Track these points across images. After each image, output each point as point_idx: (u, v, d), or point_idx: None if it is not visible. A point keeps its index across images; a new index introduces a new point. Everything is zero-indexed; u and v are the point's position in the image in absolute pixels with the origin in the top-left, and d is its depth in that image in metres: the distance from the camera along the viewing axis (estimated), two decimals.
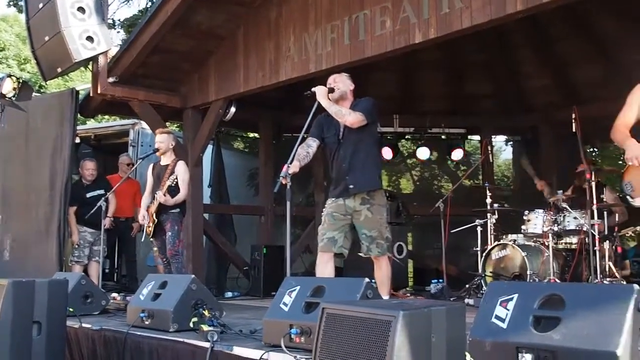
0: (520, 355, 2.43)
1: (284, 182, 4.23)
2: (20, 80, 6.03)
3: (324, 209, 4.74)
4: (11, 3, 15.37)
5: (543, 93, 9.20)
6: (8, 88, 5.82)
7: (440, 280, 7.01)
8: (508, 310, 2.60)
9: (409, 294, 7.39)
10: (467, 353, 2.42)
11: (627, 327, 2.20)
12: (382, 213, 4.63)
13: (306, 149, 4.67)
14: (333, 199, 4.66)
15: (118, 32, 14.63)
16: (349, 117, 4.51)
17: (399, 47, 5.53)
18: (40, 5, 6.31)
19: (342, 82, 4.71)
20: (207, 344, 3.60)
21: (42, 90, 18.38)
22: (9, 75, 5.91)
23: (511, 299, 2.63)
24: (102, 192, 7.27)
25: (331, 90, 4.62)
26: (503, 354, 2.49)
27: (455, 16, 5.07)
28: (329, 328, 2.33)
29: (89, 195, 7.35)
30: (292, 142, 4.64)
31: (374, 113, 4.64)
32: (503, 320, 2.58)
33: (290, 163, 4.36)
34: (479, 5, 4.91)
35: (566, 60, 8.74)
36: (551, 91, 9.09)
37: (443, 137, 9.78)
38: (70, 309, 4.60)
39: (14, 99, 5.94)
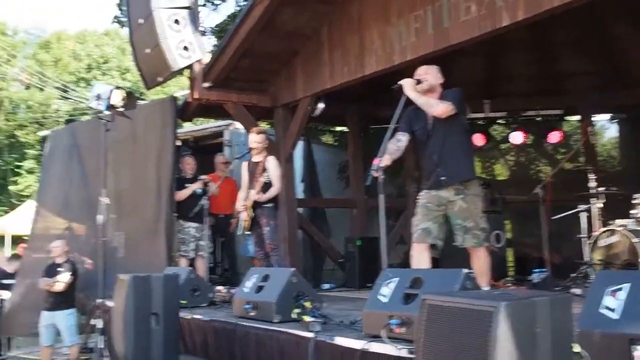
0: (633, 347, 2.37)
1: (375, 175, 4.29)
2: (127, 91, 6.40)
3: (417, 200, 4.72)
4: (115, 20, 16.34)
5: None
6: (117, 99, 6.18)
7: (543, 270, 6.81)
8: (619, 300, 2.52)
9: (509, 284, 7.20)
10: (575, 344, 2.38)
11: None
12: (476, 203, 4.57)
13: (396, 143, 4.67)
14: (426, 190, 4.65)
15: (209, 38, 15.13)
16: (437, 107, 4.49)
17: (485, 32, 5.37)
18: (141, 21, 6.69)
19: (432, 75, 4.68)
20: (310, 334, 3.75)
21: (142, 98, 19.32)
22: (117, 87, 6.28)
23: (621, 289, 2.54)
24: (202, 189, 7.61)
25: (418, 82, 4.63)
26: (614, 346, 2.43)
27: None
28: (430, 319, 2.36)
29: (186, 185, 7.67)
30: (380, 134, 4.70)
31: (463, 102, 4.61)
32: (614, 311, 2.51)
33: (382, 156, 4.42)
34: None
35: None
36: None
37: (538, 119, 9.46)
38: (183, 301, 4.90)
39: (122, 108, 6.31)
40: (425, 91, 4.64)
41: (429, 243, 4.56)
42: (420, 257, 4.55)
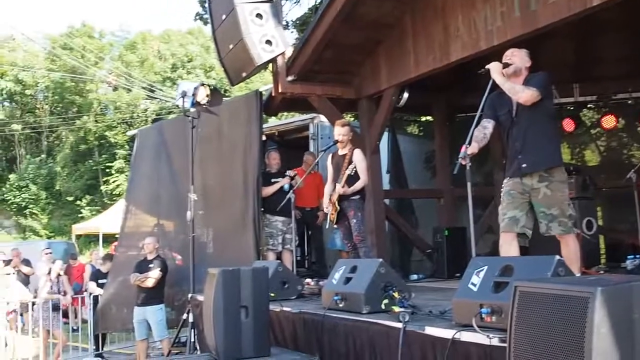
0: None
1: (463, 163, 4.24)
2: (211, 88, 6.56)
3: (502, 188, 4.64)
4: (197, 17, 16.65)
5: None
6: (202, 96, 6.37)
7: (638, 256, 6.59)
8: None
9: (602, 272, 6.99)
10: None
11: None
12: (562, 190, 4.43)
13: (482, 130, 4.61)
14: (509, 177, 4.56)
15: (292, 32, 15.27)
16: (523, 93, 4.37)
17: (574, 12, 5.21)
18: (224, 17, 6.82)
19: (518, 57, 4.58)
20: (399, 325, 3.73)
21: (226, 95, 19.73)
22: (202, 85, 6.45)
23: None
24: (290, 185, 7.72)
25: (505, 65, 4.54)
26: None
27: None
28: (522, 306, 2.31)
29: (272, 180, 7.81)
30: (467, 123, 4.63)
31: (548, 87, 4.50)
32: None
33: (469, 144, 4.36)
34: None
35: None
36: None
37: (630, 102, 9.09)
38: (272, 294, 4.99)
39: (207, 105, 6.48)
40: (511, 74, 4.56)
41: (516, 232, 4.47)
42: (510, 247, 4.48)
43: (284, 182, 7.64)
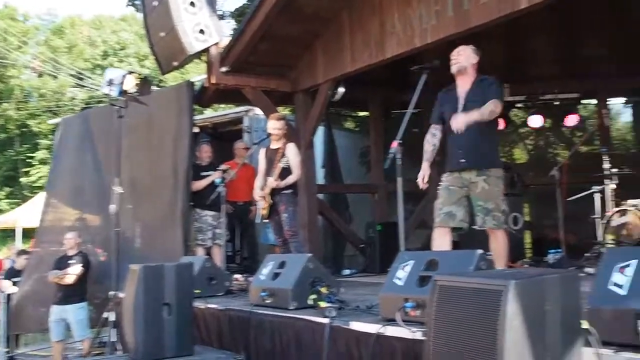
0: (639, 322, 2.36)
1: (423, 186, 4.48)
2: (141, 76, 6.35)
3: (440, 183, 4.71)
4: (129, 3, 16.20)
5: None
6: (130, 84, 6.13)
7: (559, 250, 6.82)
8: (627, 276, 2.53)
9: (526, 265, 7.22)
10: (583, 321, 2.38)
11: None
12: (499, 185, 4.55)
13: (432, 141, 4.76)
14: (448, 171, 4.64)
15: (228, 22, 15.06)
16: (497, 109, 4.41)
17: (504, 13, 5.33)
18: (155, 4, 6.65)
19: (464, 56, 4.64)
20: (325, 320, 3.71)
21: (161, 84, 19.28)
22: (130, 72, 6.22)
23: (629, 265, 2.56)
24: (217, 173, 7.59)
25: (438, 65, 4.65)
26: (622, 321, 2.43)
27: None
28: (442, 300, 2.34)
29: (202, 173, 7.63)
30: (402, 119, 4.67)
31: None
32: (622, 287, 2.52)
33: (400, 139, 4.40)
34: None
35: None
36: None
37: (556, 103, 9.39)
38: (197, 291, 4.87)
39: (136, 94, 6.27)
40: (456, 73, 4.65)
41: (451, 227, 4.57)
42: (442, 241, 4.57)
43: (215, 176, 7.48)
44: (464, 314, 2.21)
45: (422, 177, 4.65)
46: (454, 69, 4.62)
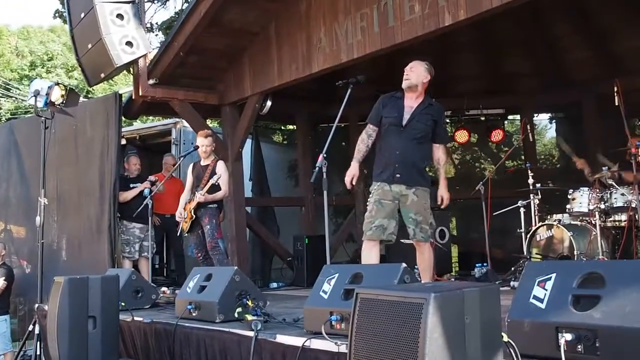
0: (560, 335, 2.43)
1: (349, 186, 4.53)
2: (67, 88, 6.24)
3: (370, 196, 4.74)
4: (57, 15, 15.72)
5: (584, 67, 8.93)
6: (56, 96, 6.03)
7: (485, 264, 6.96)
8: (546, 290, 2.60)
9: (453, 279, 7.36)
10: (504, 334, 2.43)
11: None
12: (426, 198, 4.65)
13: (366, 141, 4.78)
14: (379, 183, 4.67)
15: (156, 35, 14.82)
16: (446, 165, 4.79)
17: (429, 30, 5.49)
18: (82, 15, 6.54)
19: (416, 73, 4.75)
20: (251, 333, 3.71)
21: (90, 96, 18.80)
22: (57, 84, 6.12)
23: (549, 279, 2.62)
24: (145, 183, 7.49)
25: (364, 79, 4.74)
26: (542, 334, 2.50)
27: None
28: (363, 313, 2.36)
29: (131, 185, 7.55)
30: (329, 132, 4.72)
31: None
32: (542, 301, 2.58)
33: (325, 152, 4.45)
34: None
35: (606, 31, 8.48)
36: (592, 64, 8.82)
37: (482, 118, 9.69)
38: (123, 303, 4.79)
39: (62, 105, 6.15)
40: (405, 88, 4.73)
41: (382, 239, 4.61)
42: (371, 253, 4.61)
43: (143, 187, 7.38)
44: (385, 327, 2.23)
45: (351, 177, 4.64)
46: (404, 84, 4.71)
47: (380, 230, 4.57)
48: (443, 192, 4.69)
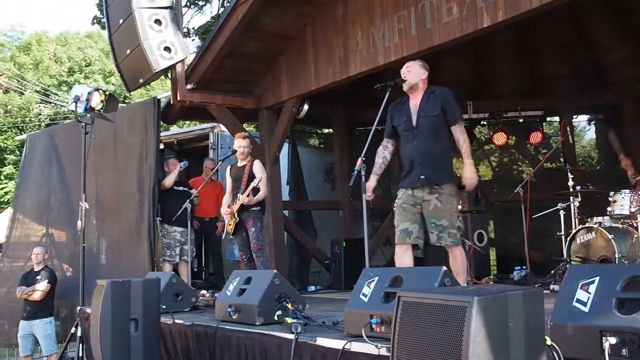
0: (604, 338, 2.39)
1: (369, 198, 4.44)
2: (107, 93, 6.35)
3: (396, 200, 4.74)
4: (95, 21, 16.02)
5: (623, 67, 8.83)
6: (96, 101, 6.15)
7: (524, 267, 6.88)
8: (590, 293, 2.56)
9: (491, 282, 7.29)
10: (547, 337, 2.40)
11: None
12: (452, 202, 4.57)
13: (382, 153, 4.79)
14: (403, 189, 4.66)
15: (193, 39, 15.02)
16: (465, 135, 4.63)
17: (467, 32, 5.47)
18: (121, 21, 6.64)
19: (413, 72, 4.71)
20: (291, 336, 3.72)
21: (127, 101, 19.10)
22: (97, 90, 6.23)
23: (592, 282, 2.59)
24: (185, 188, 7.61)
25: (403, 81, 4.69)
26: (586, 338, 2.46)
27: None
28: (405, 316, 2.35)
29: (175, 187, 7.63)
30: (366, 136, 4.71)
31: (458, 105, 4.71)
32: (585, 304, 2.55)
33: (364, 156, 4.44)
34: None
35: None
36: (631, 65, 8.69)
37: (520, 120, 9.59)
38: (164, 306, 4.85)
39: (102, 111, 6.26)
40: (407, 90, 4.71)
41: (410, 243, 4.58)
42: (404, 257, 4.59)
43: (179, 167, 7.56)
44: (428, 330, 2.22)
45: (370, 190, 4.63)
46: (405, 87, 4.69)
47: (405, 234, 4.56)
48: (467, 173, 4.54)
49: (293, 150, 9.53)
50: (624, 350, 2.38)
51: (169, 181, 7.53)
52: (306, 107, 7.74)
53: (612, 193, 6.31)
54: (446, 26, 5.62)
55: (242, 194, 6.25)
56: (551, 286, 6.04)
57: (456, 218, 4.60)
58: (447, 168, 4.67)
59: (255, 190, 6.28)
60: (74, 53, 32.31)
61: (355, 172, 4.50)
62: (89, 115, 6.40)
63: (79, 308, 6.21)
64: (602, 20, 8.65)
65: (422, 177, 4.54)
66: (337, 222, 9.29)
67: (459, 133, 4.59)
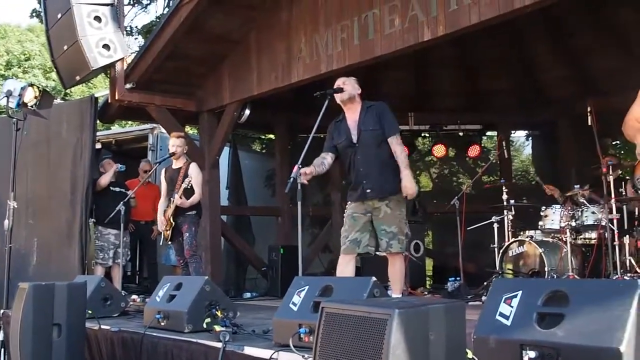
0: (524, 352, 2.41)
1: (300, 181, 4.27)
2: (41, 89, 6.15)
3: (345, 211, 4.77)
4: (34, 14, 15.56)
5: (560, 86, 9.08)
6: (30, 97, 5.94)
7: (458, 278, 6.98)
8: (512, 307, 2.58)
9: (426, 293, 7.37)
10: (469, 350, 2.43)
11: (630, 322, 2.17)
12: (401, 209, 4.64)
13: (321, 159, 4.75)
14: (352, 204, 4.70)
15: (136, 38, 14.79)
16: (402, 147, 4.67)
17: (408, 45, 5.54)
18: (59, 15, 6.47)
19: (350, 85, 4.75)
20: (219, 344, 3.66)
21: (67, 98, 18.62)
22: (31, 85, 6.03)
23: (515, 296, 2.62)
24: (122, 189, 7.46)
25: (340, 90, 4.69)
26: (507, 352, 2.48)
27: (464, 12, 5.07)
28: (328, 327, 2.35)
29: (111, 188, 7.48)
30: (306, 143, 4.69)
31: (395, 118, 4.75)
32: (507, 317, 2.56)
33: (301, 164, 4.41)
34: (487, 1, 4.89)
35: (582, 52, 8.63)
36: (568, 84, 8.97)
37: (460, 134, 9.76)
38: (90, 311, 4.71)
39: (35, 107, 6.06)
40: (346, 101, 4.73)
41: (357, 252, 4.60)
42: (345, 268, 4.62)
43: (115, 168, 7.45)
44: (350, 342, 2.22)
45: (305, 171, 4.38)
46: (342, 97, 4.70)
47: (355, 244, 4.58)
48: (406, 183, 4.53)
49: (234, 155, 9.45)
50: None
51: (104, 180, 7.37)
52: (247, 112, 7.70)
53: (543, 208, 6.50)
54: (388, 38, 5.69)
55: (175, 196, 6.16)
56: (483, 298, 6.10)
57: (405, 224, 4.67)
58: (392, 178, 4.68)
59: (189, 193, 6.18)
60: (13, 46, 31.29)
61: (292, 179, 4.47)
62: (21, 111, 6.19)
63: (2, 311, 5.98)
64: (540, 39, 8.90)
65: (368, 190, 4.59)
66: (276, 229, 9.24)
67: (396, 144, 4.64)
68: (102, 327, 4.76)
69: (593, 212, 6.03)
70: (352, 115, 4.74)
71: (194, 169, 6.35)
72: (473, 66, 9.48)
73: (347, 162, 4.76)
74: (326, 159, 4.78)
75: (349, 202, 4.74)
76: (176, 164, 6.43)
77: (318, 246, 9.19)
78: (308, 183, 4.49)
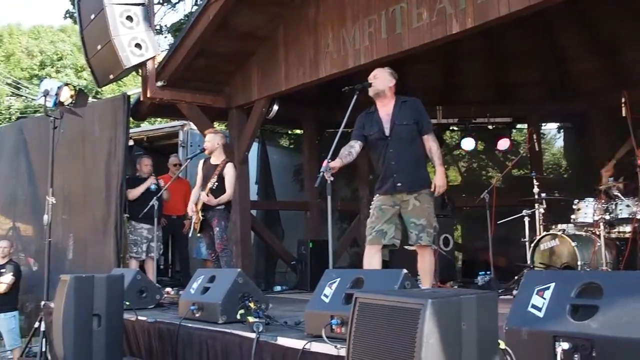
0: (557, 344, 2.42)
1: (326, 177, 4.31)
2: (76, 88, 6.31)
3: (371, 203, 4.79)
4: (67, 15, 15.85)
5: (591, 77, 8.97)
6: (66, 96, 6.11)
7: (488, 273, 6.95)
8: (545, 299, 2.58)
9: (456, 287, 7.34)
10: (501, 341, 2.45)
11: None
12: (429, 202, 4.66)
13: (348, 149, 4.75)
14: (381, 194, 4.71)
15: (165, 37, 14.93)
16: (439, 150, 4.75)
17: (436, 38, 5.53)
18: (93, 16, 6.61)
19: (380, 79, 4.76)
20: (253, 335, 3.73)
21: (98, 96, 18.91)
22: (66, 84, 6.19)
23: (548, 288, 2.62)
24: (157, 185, 7.56)
25: (369, 85, 4.72)
26: (540, 343, 2.49)
27: (492, 4, 5.01)
28: (361, 317, 2.38)
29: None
30: (335, 137, 4.74)
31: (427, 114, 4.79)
32: (540, 309, 2.57)
33: (331, 159, 4.45)
34: None
35: (614, 42, 8.51)
36: (600, 75, 8.85)
37: (489, 127, 9.68)
38: (127, 303, 4.83)
39: (71, 106, 6.22)
40: (374, 96, 4.73)
41: (382, 244, 4.61)
42: (372, 259, 4.63)
43: (149, 183, 7.46)
44: (383, 331, 2.25)
45: (326, 170, 4.37)
46: (371, 92, 4.73)
47: (381, 235, 4.60)
48: (438, 180, 4.61)
49: (262, 150, 9.54)
50: (576, 355, 2.41)
51: (132, 195, 7.45)
52: (276, 107, 7.78)
53: (576, 201, 6.36)
54: (416, 31, 5.67)
55: (203, 192, 6.25)
56: (514, 292, 6.06)
57: (433, 217, 4.68)
58: (423, 172, 4.75)
59: (216, 192, 6.26)
60: (46, 47, 31.83)
61: (321, 173, 4.51)
62: (58, 109, 6.35)
63: (43, 303, 6.16)
64: (570, 30, 8.80)
65: (399, 184, 4.61)
66: (305, 223, 9.30)
67: (431, 142, 4.69)
68: (139, 318, 4.89)
69: (628, 205, 5.91)
70: (385, 108, 4.76)
71: (229, 169, 6.41)
72: (502, 58, 9.40)
73: (377, 155, 4.77)
74: (354, 147, 4.77)
75: (377, 195, 4.75)
76: (214, 160, 6.48)
77: (347, 241, 9.23)
78: (333, 177, 4.52)
